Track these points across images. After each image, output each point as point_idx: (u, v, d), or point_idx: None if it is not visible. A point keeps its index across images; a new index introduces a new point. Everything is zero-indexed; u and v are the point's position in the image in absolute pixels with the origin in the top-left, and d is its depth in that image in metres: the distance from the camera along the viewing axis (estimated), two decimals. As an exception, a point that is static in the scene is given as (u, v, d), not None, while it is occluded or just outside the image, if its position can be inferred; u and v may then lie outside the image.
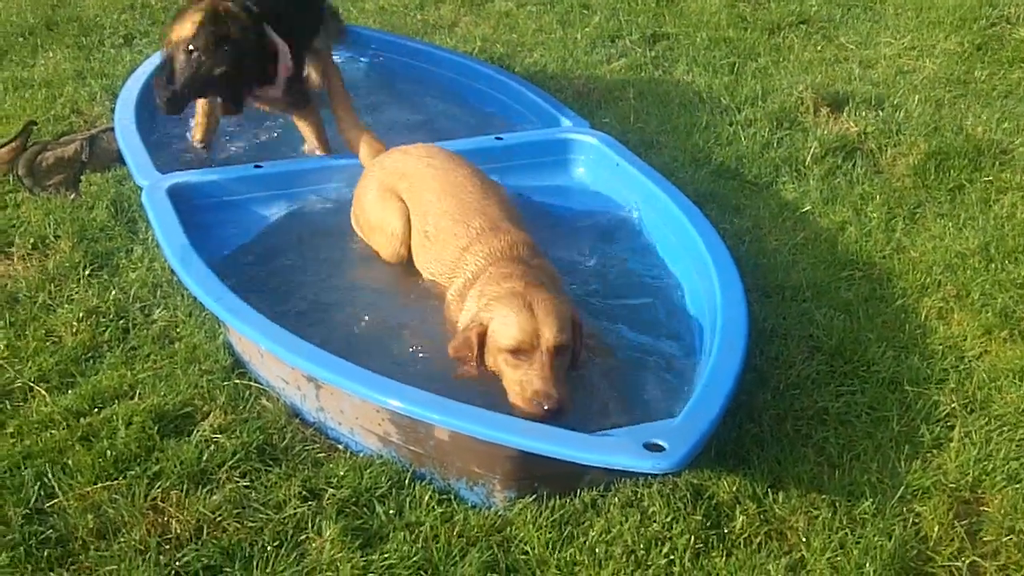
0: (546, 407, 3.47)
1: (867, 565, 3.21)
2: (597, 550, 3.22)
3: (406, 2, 7.32)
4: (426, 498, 3.38)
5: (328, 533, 3.23)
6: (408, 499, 3.39)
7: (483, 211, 4.21)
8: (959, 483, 3.56)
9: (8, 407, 3.70)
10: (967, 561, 3.29)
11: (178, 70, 4.43)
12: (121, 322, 4.10)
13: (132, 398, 3.72)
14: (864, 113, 6.02)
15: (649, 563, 3.20)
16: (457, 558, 3.20)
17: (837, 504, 3.42)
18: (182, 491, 3.35)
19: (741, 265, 4.20)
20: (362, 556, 3.17)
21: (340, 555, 3.17)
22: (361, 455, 3.56)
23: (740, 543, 3.29)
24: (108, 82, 6.00)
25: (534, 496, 3.37)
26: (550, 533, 3.27)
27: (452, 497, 3.41)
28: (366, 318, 4.12)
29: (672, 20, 7.24)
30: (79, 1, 7.15)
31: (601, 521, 3.31)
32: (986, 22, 7.30)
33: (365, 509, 3.35)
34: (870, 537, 3.29)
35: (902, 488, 3.50)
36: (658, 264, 4.51)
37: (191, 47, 4.41)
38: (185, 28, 4.45)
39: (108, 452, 3.46)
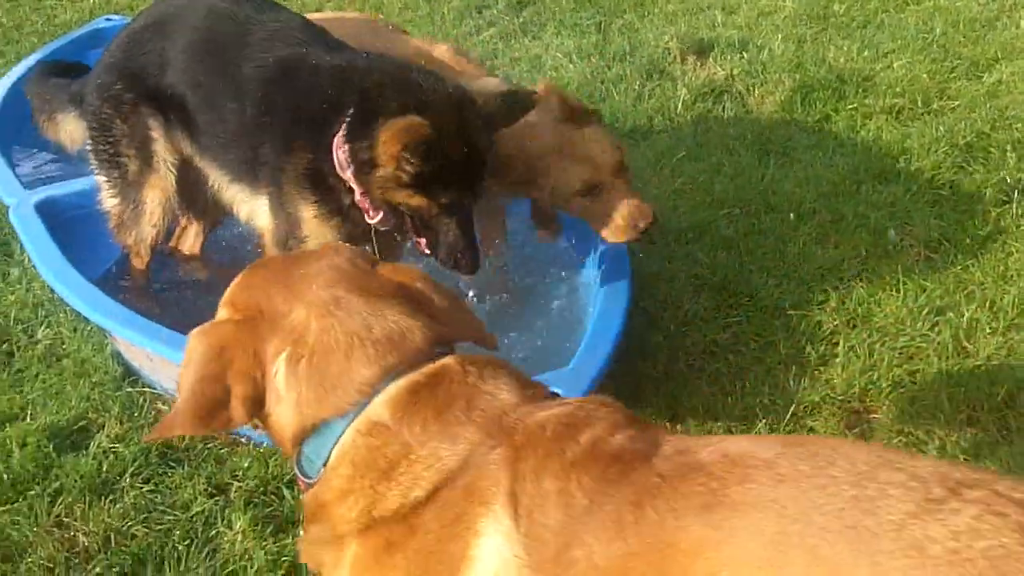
0: (642, 225, 3.50)
1: (767, 484, 3.30)
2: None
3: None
4: (334, 477, 3.38)
5: (239, 525, 3.22)
6: (316, 480, 3.38)
7: None
8: (847, 394, 3.69)
9: None
10: (861, 468, 3.40)
11: None
12: (4, 346, 4.01)
13: (24, 419, 3.65)
14: (729, 57, 6.13)
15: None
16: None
17: (733, 429, 3.52)
18: (85, 504, 3.31)
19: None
20: (275, 542, 3.18)
21: (252, 544, 3.17)
22: (264, 445, 3.53)
23: (644, 479, 3.36)
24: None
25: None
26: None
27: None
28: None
29: (537, -15, 7.25)
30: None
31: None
32: (842, -44, 7.46)
33: (273, 497, 3.35)
34: (766, 456, 3.38)
35: (793, 406, 3.62)
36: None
37: None
38: None
39: (4, 475, 3.40)
